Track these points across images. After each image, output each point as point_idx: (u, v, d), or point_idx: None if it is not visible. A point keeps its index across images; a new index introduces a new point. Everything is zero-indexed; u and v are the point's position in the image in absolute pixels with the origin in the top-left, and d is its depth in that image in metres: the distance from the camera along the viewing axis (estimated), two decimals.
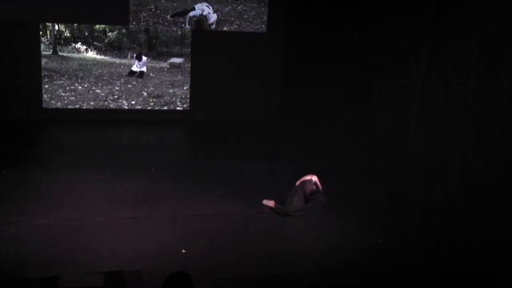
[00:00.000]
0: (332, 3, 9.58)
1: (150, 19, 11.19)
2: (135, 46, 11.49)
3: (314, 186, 6.24)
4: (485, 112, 6.32)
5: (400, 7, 7.90)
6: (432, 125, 7.17)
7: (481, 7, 6.36)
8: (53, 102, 11.22)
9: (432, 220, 6.04)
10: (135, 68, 11.53)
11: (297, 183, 6.29)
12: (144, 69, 11.56)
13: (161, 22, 11.22)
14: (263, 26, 11.35)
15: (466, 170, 6.56)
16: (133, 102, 11.64)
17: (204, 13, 11.16)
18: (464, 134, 6.62)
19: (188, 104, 11.78)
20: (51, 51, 11.16)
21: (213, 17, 11.19)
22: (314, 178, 6.32)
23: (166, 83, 11.76)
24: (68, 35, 11.34)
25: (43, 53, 11.01)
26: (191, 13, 11.21)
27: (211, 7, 11.17)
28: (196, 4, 11.15)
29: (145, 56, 11.52)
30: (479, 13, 6.38)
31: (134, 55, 11.45)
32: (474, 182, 6.36)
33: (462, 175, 6.60)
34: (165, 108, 11.79)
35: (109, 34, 11.47)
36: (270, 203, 6.30)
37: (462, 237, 5.60)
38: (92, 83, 11.45)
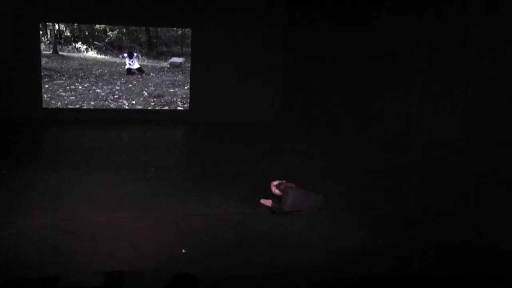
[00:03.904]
0: (332, 3, 9.57)
1: None
2: (134, 45, 11.51)
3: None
4: (485, 112, 6.31)
5: (400, 6, 7.90)
6: (432, 125, 7.17)
7: (481, 6, 6.36)
8: (53, 102, 11.22)
9: (432, 220, 6.04)
10: (129, 66, 11.52)
11: (274, 187, 6.31)
12: (138, 65, 11.56)
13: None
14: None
15: (466, 170, 6.55)
16: (134, 102, 11.64)
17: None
18: (464, 134, 6.61)
19: (189, 104, 11.79)
20: (51, 50, 11.17)
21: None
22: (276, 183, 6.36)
23: (167, 82, 11.77)
24: (69, 34, 11.36)
25: (43, 52, 11.02)
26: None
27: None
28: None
29: (135, 52, 11.53)
30: (479, 13, 6.38)
31: (125, 54, 11.45)
32: (474, 182, 6.36)
33: (462, 175, 6.60)
34: (166, 108, 11.79)
35: (109, 33, 11.48)
36: (268, 202, 6.30)
37: (462, 237, 5.59)
38: (93, 82, 11.46)
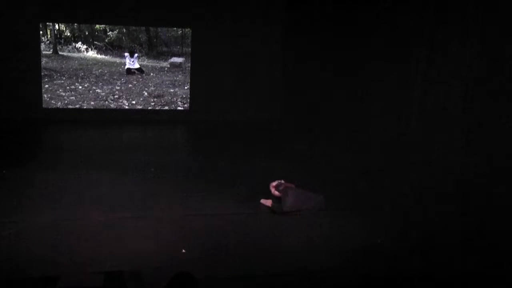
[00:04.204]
0: (332, 3, 9.57)
1: None
2: (135, 45, 11.51)
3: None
4: (485, 112, 6.31)
5: (400, 6, 7.90)
6: (432, 125, 7.17)
7: (481, 6, 6.36)
8: (53, 102, 11.22)
9: (432, 220, 6.04)
10: (129, 66, 11.51)
11: (273, 189, 6.32)
12: (138, 65, 11.57)
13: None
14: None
15: (466, 170, 6.55)
16: (134, 102, 11.64)
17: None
18: (464, 134, 6.62)
19: (189, 104, 11.79)
20: (51, 50, 11.17)
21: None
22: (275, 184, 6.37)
23: (167, 82, 11.76)
24: (69, 34, 11.36)
25: (44, 52, 11.02)
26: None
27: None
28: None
29: (137, 52, 11.53)
30: (479, 13, 6.38)
31: (126, 53, 11.45)
32: (474, 182, 6.36)
33: (462, 175, 6.60)
34: (166, 108, 11.79)
35: (109, 33, 11.48)
36: (268, 202, 6.31)
37: (462, 237, 5.59)
38: (93, 82, 11.46)
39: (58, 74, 11.24)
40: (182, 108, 11.83)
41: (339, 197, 6.63)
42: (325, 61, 9.89)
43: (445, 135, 6.92)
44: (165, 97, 11.76)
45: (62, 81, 11.28)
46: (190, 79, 11.66)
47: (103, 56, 11.47)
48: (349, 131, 9.07)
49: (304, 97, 10.72)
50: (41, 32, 10.94)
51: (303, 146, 9.28)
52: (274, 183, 6.35)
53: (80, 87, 11.41)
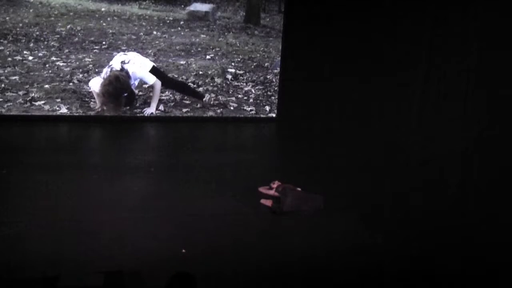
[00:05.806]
0: (332, 2, 9.56)
1: None
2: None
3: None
4: (485, 112, 6.31)
5: (400, 6, 7.90)
6: (432, 125, 7.17)
7: (482, 6, 6.36)
8: None
9: (432, 220, 6.04)
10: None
11: (265, 190, 6.38)
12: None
13: None
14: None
15: (467, 170, 6.55)
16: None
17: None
18: (464, 134, 6.62)
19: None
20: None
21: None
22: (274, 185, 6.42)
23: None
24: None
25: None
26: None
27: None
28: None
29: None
30: (479, 13, 6.38)
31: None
32: (474, 182, 6.36)
33: (463, 175, 6.60)
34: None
35: None
36: (268, 202, 6.32)
37: (462, 237, 5.60)
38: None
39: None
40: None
41: (339, 197, 6.63)
42: (325, 61, 9.88)
43: (445, 135, 6.92)
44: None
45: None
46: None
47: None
48: (349, 130, 9.06)
49: (303, 96, 10.71)
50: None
51: (304, 145, 9.28)
52: (263, 189, 6.41)
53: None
